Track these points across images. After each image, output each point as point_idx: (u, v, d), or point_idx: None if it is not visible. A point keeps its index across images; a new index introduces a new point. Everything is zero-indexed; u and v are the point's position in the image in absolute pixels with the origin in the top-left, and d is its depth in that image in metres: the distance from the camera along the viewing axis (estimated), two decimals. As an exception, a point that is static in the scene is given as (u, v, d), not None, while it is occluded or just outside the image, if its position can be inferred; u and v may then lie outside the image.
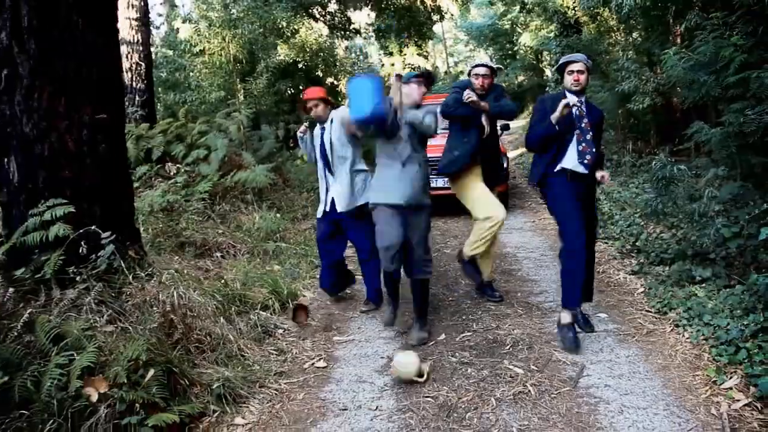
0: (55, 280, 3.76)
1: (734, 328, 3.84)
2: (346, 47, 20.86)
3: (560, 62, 4.28)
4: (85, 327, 3.54)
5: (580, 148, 4.16)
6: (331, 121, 5.03)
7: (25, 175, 3.89)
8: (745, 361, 3.55)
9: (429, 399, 3.55)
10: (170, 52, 11.74)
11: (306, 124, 5.32)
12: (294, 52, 13.37)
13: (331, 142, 4.99)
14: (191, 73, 10.93)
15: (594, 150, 4.19)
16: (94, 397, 3.02)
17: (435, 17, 19.84)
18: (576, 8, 12.65)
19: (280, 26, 11.86)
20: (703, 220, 5.13)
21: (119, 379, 3.12)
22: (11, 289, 3.48)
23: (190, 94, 10.55)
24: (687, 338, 4.11)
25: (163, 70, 11.96)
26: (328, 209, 5.06)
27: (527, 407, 3.39)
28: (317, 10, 16.81)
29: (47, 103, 3.83)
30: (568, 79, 4.18)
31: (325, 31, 17.30)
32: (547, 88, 14.16)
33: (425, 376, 3.76)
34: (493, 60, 33.49)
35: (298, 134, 5.30)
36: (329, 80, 15.17)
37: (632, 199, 7.70)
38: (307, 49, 13.73)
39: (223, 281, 5.04)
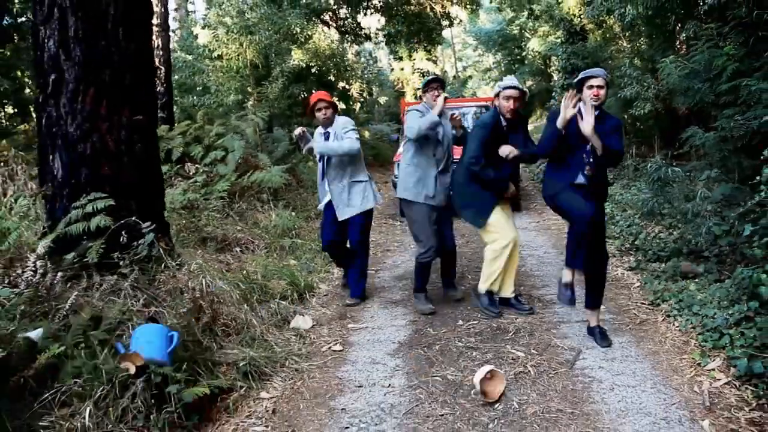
0: (96, 267, 4.12)
1: (719, 317, 4.16)
2: (357, 52, 21.22)
3: (580, 77, 4.28)
4: (123, 309, 3.92)
5: (587, 160, 4.20)
6: (335, 128, 5.18)
7: (68, 171, 4.26)
8: (728, 345, 3.86)
9: (437, 378, 3.89)
10: (189, 57, 12.14)
11: (302, 129, 5.37)
12: (307, 57, 13.78)
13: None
14: (210, 77, 11.32)
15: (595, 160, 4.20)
16: (132, 370, 3.36)
17: (444, 23, 20.22)
18: (582, 16, 12.98)
19: (294, 32, 12.27)
20: (696, 220, 5.44)
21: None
22: (59, 274, 3.84)
23: (209, 98, 10.93)
24: (676, 327, 4.43)
25: (180, 74, 12.38)
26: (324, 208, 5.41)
27: (527, 385, 3.72)
28: (329, 15, 17.21)
29: (90, 106, 4.19)
30: (588, 93, 4.17)
31: (336, 36, 17.70)
32: (554, 93, 14.46)
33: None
34: (500, 64, 33.77)
35: (296, 135, 5.39)
36: (341, 84, 15.56)
37: (633, 201, 7.99)
38: (320, 55, 14.12)
39: (244, 272, 5.39)
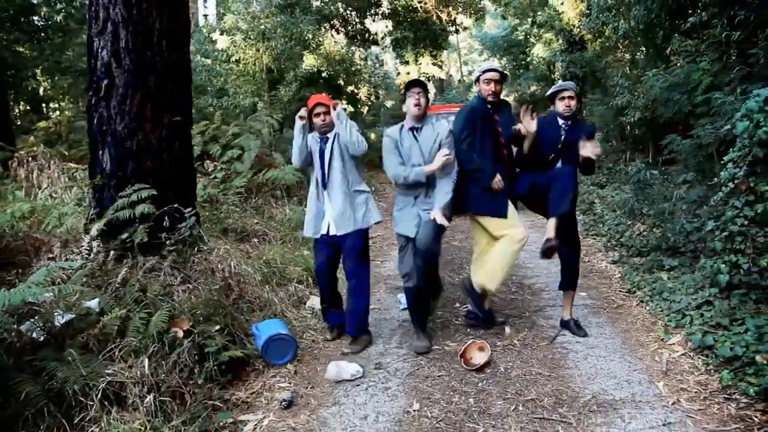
0: (139, 248, 4.72)
1: (684, 302, 4.75)
2: (365, 57, 21.83)
3: (551, 91, 4.63)
4: (164, 285, 4.53)
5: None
6: (336, 134, 4.56)
7: (116, 165, 4.86)
8: (688, 324, 4.46)
9: (436, 348, 4.50)
10: (207, 61, 12.78)
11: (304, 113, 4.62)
12: (319, 62, 14.40)
13: (331, 156, 4.54)
14: (228, 80, 11.92)
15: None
16: (180, 334, 3.97)
17: (450, 29, 20.84)
18: (580, 27, 13.57)
19: (307, 38, 12.88)
20: (672, 218, 6.03)
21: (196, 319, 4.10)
22: (112, 253, 4.46)
23: (227, 100, 11.55)
24: (647, 310, 5.03)
25: (197, 77, 12.98)
26: (326, 232, 4.61)
27: (513, 354, 4.33)
28: (338, 21, 17.84)
29: (137, 108, 4.80)
30: (560, 105, 4.51)
31: (345, 41, 18.33)
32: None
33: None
34: (506, 68, 34.25)
35: (298, 124, 4.60)
36: (350, 88, 16.17)
37: (617, 202, 8.58)
38: (331, 60, 14.75)
39: (264, 259, 5.99)
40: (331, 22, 16.84)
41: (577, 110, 4.68)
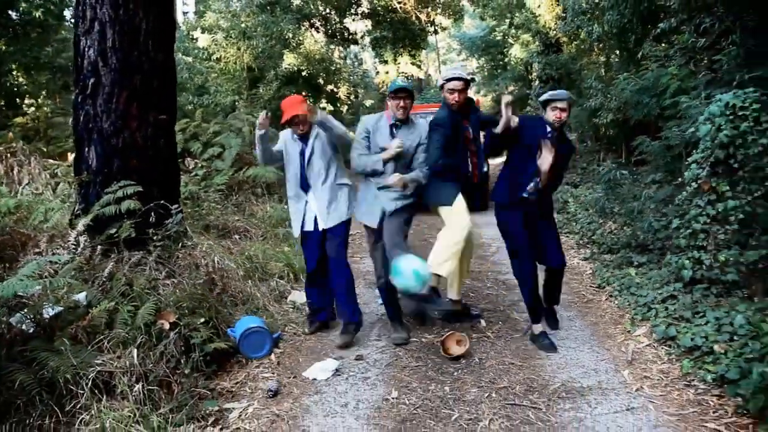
0: (124, 243, 4.82)
1: (650, 296, 4.99)
2: (344, 56, 21.96)
3: (545, 97, 4.38)
4: (150, 279, 4.65)
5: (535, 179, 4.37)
6: (317, 133, 4.61)
7: (102, 162, 4.96)
8: (653, 317, 4.69)
9: (414, 340, 4.68)
10: (188, 59, 12.82)
11: (267, 113, 4.61)
12: (299, 61, 14.52)
13: (312, 155, 4.60)
14: (209, 78, 11.99)
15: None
16: (166, 326, 4.10)
17: (429, 29, 21.06)
18: (556, 29, 13.86)
19: (287, 37, 12.99)
20: (641, 216, 6.28)
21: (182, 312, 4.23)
22: (100, 247, 4.56)
23: (208, 98, 11.63)
24: (616, 304, 5.27)
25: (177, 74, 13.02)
26: (311, 228, 4.72)
27: (487, 345, 4.53)
28: (318, 20, 17.95)
29: (123, 107, 4.91)
30: (551, 115, 4.27)
31: (324, 40, 18.45)
32: (530, 100, 15.31)
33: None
34: (484, 69, 34.47)
35: (258, 131, 4.56)
36: (329, 87, 16.30)
37: (589, 201, 8.84)
38: (311, 59, 14.87)
39: (246, 255, 6.12)
40: (311, 21, 16.94)
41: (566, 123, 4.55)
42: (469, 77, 4.64)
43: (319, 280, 4.89)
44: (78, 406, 3.34)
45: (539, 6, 14.73)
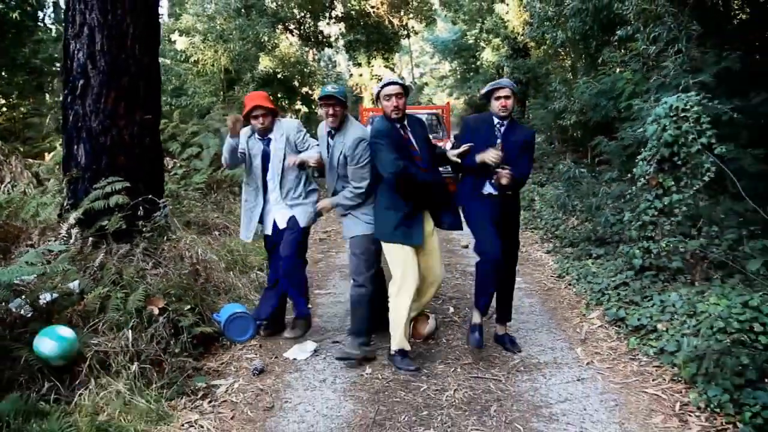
0: (113, 236, 5.10)
1: (604, 283, 5.41)
2: (318, 59, 22.24)
3: (487, 89, 4.30)
4: (138, 269, 4.93)
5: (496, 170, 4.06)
6: (283, 135, 4.51)
7: (91, 159, 5.22)
8: (606, 302, 5.11)
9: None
10: (167, 61, 13.03)
11: (239, 117, 4.49)
12: (274, 64, 14.80)
13: (275, 156, 4.50)
14: (186, 80, 12.25)
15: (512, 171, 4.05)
16: (156, 311, 4.39)
17: (402, 33, 21.48)
18: (524, 35, 14.38)
19: (262, 40, 13.28)
20: (599, 212, 6.73)
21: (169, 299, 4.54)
22: (91, 239, 4.84)
23: (185, 99, 11.88)
24: (574, 292, 5.69)
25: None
26: (269, 232, 4.71)
27: (454, 329, 4.91)
28: (293, 23, 18.25)
29: (111, 107, 5.18)
30: (496, 105, 4.18)
31: (298, 43, 18.74)
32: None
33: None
34: (456, 72, 34.93)
35: (230, 139, 4.49)
36: (304, 89, 16.61)
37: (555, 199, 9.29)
38: (286, 62, 15.16)
39: (227, 249, 6.42)
40: (286, 24, 17.23)
41: (517, 111, 4.88)
42: (407, 83, 4.66)
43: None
44: (77, 382, 3.63)
45: (507, 12, 15.25)
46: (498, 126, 4.26)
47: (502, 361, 4.23)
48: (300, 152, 4.52)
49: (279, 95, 14.77)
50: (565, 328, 4.85)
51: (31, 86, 14.34)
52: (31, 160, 9.16)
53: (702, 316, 4.04)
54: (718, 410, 3.32)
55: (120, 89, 5.22)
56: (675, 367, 3.80)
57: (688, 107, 4.94)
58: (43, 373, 3.61)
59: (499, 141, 4.18)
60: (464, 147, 4.23)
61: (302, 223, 4.58)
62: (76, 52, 5.16)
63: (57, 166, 8.76)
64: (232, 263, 6.07)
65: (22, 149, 11.13)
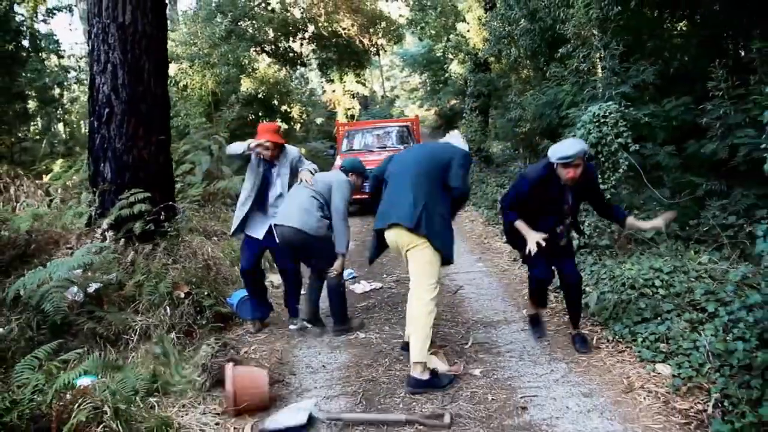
0: (138, 238, 6.08)
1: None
2: (291, 76, 23.33)
3: (560, 156, 3.99)
4: (161, 264, 5.93)
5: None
6: (287, 160, 5.35)
7: (116, 175, 6.21)
8: (549, 275, 6.22)
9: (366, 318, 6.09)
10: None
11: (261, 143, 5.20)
12: (255, 85, 15.83)
13: (276, 184, 5.36)
14: (177, 103, 13.21)
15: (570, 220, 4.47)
16: (182, 295, 5.41)
17: (372, 50, 22.70)
18: (483, 51, 15.62)
19: (243, 63, 14.32)
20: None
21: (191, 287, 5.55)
22: (122, 241, 5.83)
23: (178, 120, 12.81)
24: (525, 272, 6.78)
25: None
26: (260, 237, 5.35)
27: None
28: (268, 45, 19.34)
29: (132, 130, 6.18)
30: (563, 173, 4.03)
31: (275, 63, 19.82)
32: (464, 114, 16.77)
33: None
34: (426, 84, 36.12)
35: (248, 150, 5.20)
36: (283, 107, 17.68)
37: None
38: (266, 83, 16.21)
39: (230, 249, 7.43)
40: (262, 46, 18.30)
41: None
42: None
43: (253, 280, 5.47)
44: (129, 347, 4.64)
45: (468, 30, 16.48)
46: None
47: (463, 321, 5.34)
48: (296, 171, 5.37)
49: (260, 114, 15.81)
50: (515, 297, 5.96)
51: (27, 113, 15.23)
52: (44, 180, 10.07)
53: (619, 278, 5.17)
54: (620, 339, 4.44)
55: (139, 116, 6.23)
56: (594, 315, 4.92)
57: (607, 114, 6.11)
58: (100, 343, 4.61)
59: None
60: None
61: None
62: (101, 85, 6.17)
63: (67, 183, 9.74)
64: (235, 260, 7.07)
65: (22, 172, 12.04)
